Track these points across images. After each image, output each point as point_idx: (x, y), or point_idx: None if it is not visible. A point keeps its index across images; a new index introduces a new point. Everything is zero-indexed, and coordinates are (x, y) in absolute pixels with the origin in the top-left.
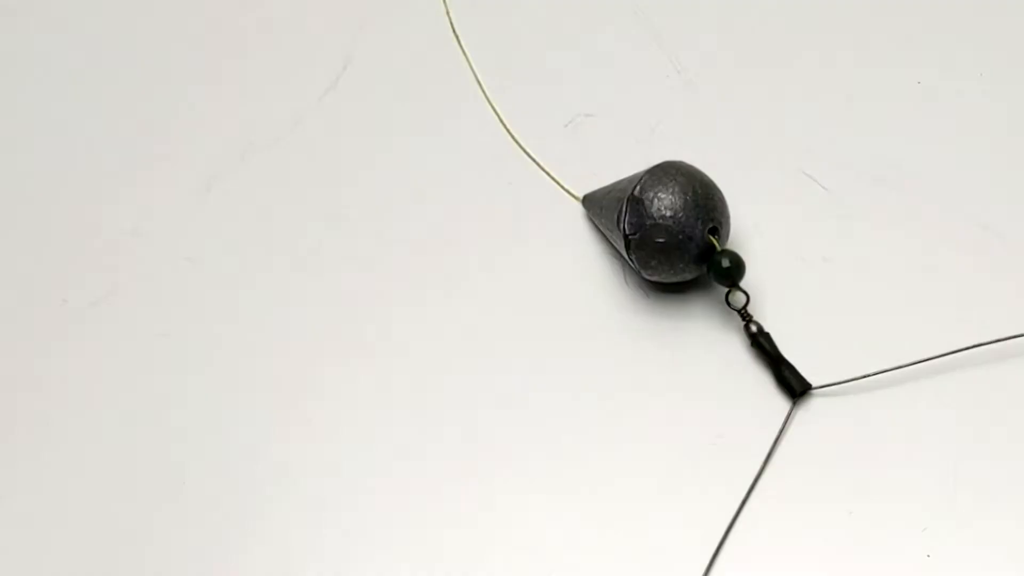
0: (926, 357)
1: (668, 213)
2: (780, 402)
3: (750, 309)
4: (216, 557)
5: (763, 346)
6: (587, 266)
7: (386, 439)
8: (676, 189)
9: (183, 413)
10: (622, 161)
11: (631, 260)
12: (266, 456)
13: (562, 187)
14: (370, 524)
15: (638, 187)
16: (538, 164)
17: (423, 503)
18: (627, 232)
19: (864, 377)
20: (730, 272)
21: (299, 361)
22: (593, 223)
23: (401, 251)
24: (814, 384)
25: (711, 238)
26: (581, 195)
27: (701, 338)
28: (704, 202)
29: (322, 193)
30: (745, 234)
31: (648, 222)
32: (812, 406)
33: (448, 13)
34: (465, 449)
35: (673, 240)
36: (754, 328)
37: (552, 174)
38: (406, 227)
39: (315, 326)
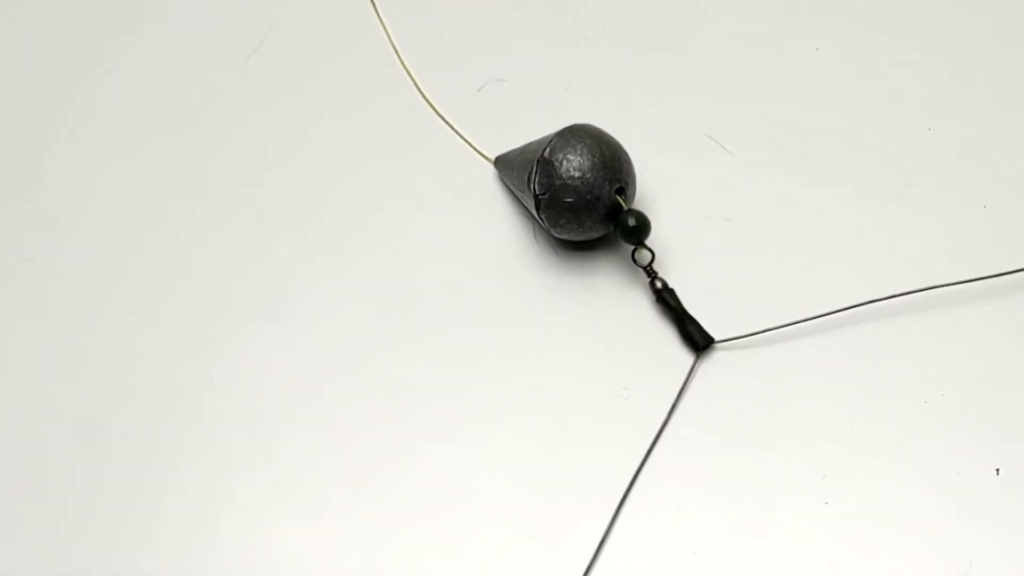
0: (825, 312)
1: (576, 174)
2: (684, 356)
3: (655, 266)
4: (136, 502)
5: (668, 302)
6: (498, 225)
7: (300, 391)
8: (584, 151)
9: (111, 365)
10: (532, 124)
11: (541, 219)
12: (187, 407)
13: (475, 149)
14: (283, 474)
15: (548, 149)
16: (452, 127)
17: (336, 451)
18: (537, 192)
19: (765, 331)
20: (636, 230)
21: (220, 314)
22: (504, 183)
23: (319, 211)
24: (717, 338)
25: (618, 198)
26: (493, 156)
27: (608, 295)
28: (611, 163)
29: (244, 155)
30: (651, 194)
31: (557, 182)
32: (715, 359)
33: None
34: (378, 400)
35: (581, 200)
36: (659, 284)
37: (465, 136)
38: (324, 188)
39: (237, 281)
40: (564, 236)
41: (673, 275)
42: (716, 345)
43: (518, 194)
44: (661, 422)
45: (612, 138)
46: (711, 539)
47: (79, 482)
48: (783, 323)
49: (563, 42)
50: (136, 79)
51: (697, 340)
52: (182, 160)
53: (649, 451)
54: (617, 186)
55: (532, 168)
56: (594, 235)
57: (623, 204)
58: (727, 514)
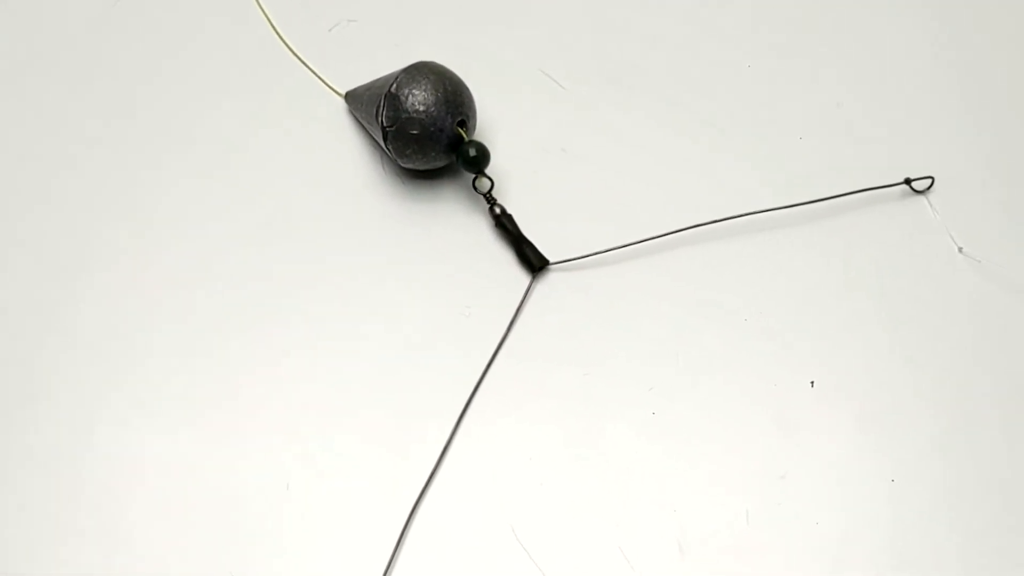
0: (652, 236)
1: (421, 108)
2: (521, 276)
3: (494, 194)
4: (8, 414)
5: (506, 226)
6: (349, 156)
7: (166, 310)
8: (428, 86)
9: None
10: (381, 62)
11: (388, 150)
12: (60, 326)
13: (326, 84)
14: (149, 387)
15: (394, 84)
16: (305, 64)
17: (198, 365)
18: (384, 124)
19: (596, 254)
20: (476, 160)
21: (93, 239)
22: (354, 117)
23: (182, 144)
24: (551, 260)
25: (459, 130)
26: (344, 92)
27: (451, 220)
28: (453, 98)
29: (112, 91)
30: (491, 126)
31: (403, 115)
32: (550, 280)
33: None
34: (237, 318)
35: (425, 132)
36: (498, 210)
37: (318, 73)
38: (187, 122)
39: (108, 208)
40: (410, 165)
41: (511, 202)
42: (551, 267)
43: (367, 126)
44: (500, 338)
45: (454, 74)
46: (546, 446)
47: None
48: (613, 246)
49: None
50: (7, 20)
51: (533, 262)
52: (55, 96)
53: (488, 365)
54: (459, 119)
55: (380, 102)
56: (438, 164)
57: (464, 136)
58: (561, 423)
